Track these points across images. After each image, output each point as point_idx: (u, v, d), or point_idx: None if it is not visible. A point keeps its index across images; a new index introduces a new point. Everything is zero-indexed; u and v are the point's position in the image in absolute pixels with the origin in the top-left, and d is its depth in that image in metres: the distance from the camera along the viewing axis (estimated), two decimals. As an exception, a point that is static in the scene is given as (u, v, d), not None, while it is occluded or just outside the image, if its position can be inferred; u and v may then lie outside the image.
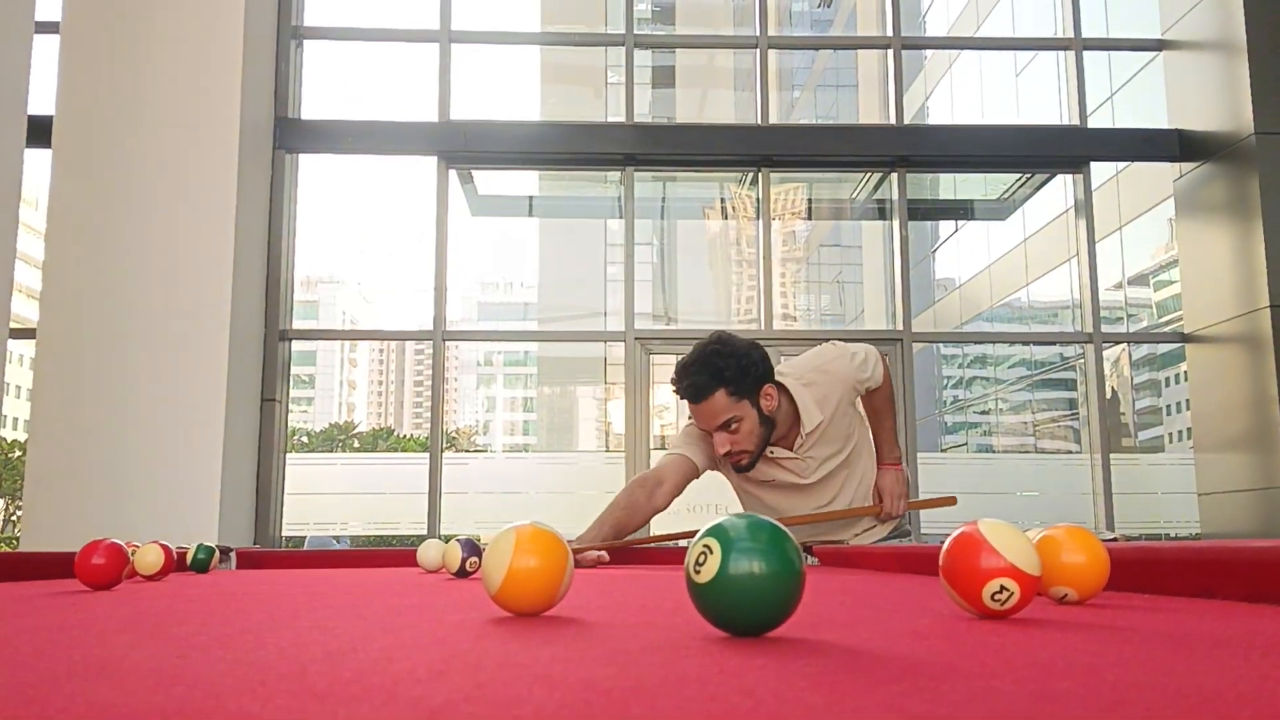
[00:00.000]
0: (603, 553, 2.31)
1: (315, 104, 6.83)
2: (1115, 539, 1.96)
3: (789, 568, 0.65)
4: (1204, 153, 6.52)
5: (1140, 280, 7.67)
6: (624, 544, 2.44)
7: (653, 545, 2.80)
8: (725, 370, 2.36)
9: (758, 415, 2.41)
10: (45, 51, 5.58)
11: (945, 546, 0.81)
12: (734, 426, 2.40)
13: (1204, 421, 6.53)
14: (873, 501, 2.66)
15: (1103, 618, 0.82)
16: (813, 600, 1.03)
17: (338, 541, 7.07)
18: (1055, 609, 0.91)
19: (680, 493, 2.51)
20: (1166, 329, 7.20)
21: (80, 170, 5.68)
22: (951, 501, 2.72)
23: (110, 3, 5.83)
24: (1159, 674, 0.49)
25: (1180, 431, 7.32)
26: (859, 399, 2.63)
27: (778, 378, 2.48)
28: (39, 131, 5.35)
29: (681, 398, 2.42)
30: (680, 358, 2.43)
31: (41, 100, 5.42)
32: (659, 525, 2.60)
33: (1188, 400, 6.78)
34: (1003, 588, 0.77)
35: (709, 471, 2.61)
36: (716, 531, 0.67)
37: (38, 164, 5.58)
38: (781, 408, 2.47)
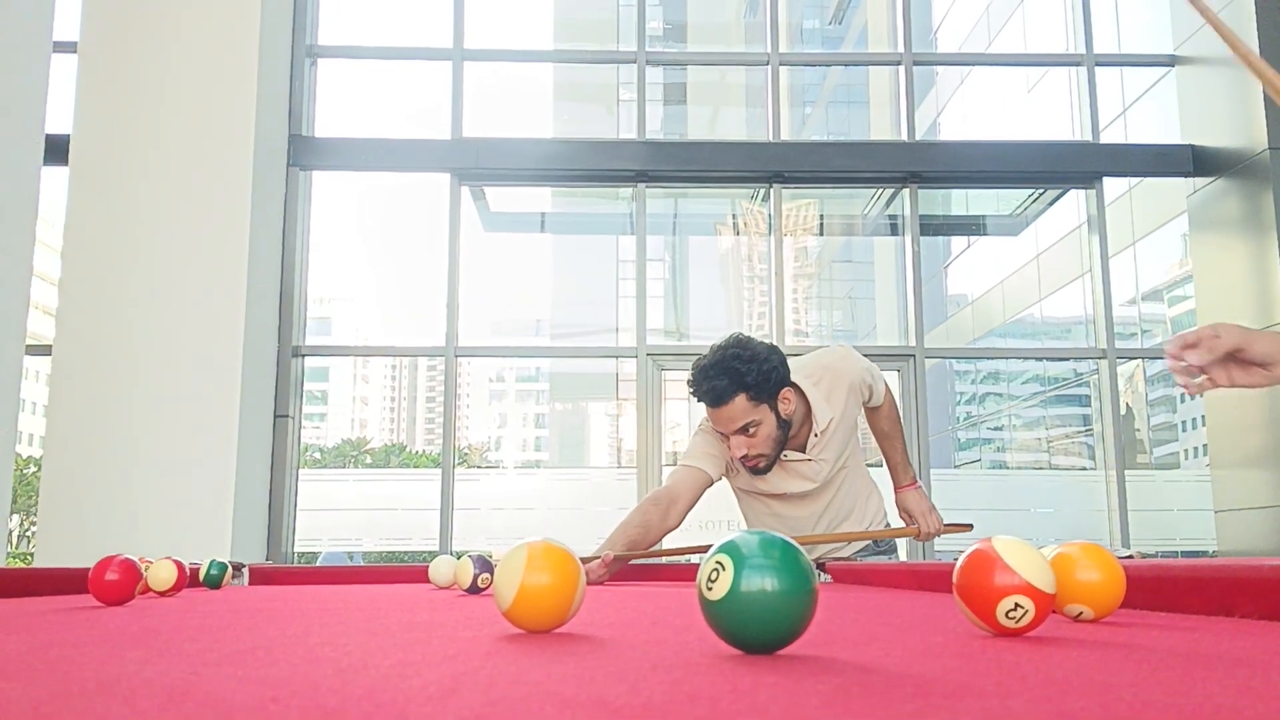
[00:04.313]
0: (607, 554, 2.30)
1: (329, 122, 6.88)
2: (1131, 556, 1.95)
3: (802, 585, 0.65)
4: (1217, 168, 6.50)
5: (1154, 296, 7.63)
6: (639, 554, 2.43)
7: (664, 560, 2.79)
8: (746, 375, 2.32)
9: (776, 419, 2.39)
10: (63, 71, 5.64)
11: (959, 563, 0.80)
12: (752, 430, 2.38)
13: (1220, 438, 6.49)
14: (895, 523, 2.69)
15: (1119, 636, 0.81)
16: (826, 618, 1.03)
17: (351, 558, 7.07)
18: (1070, 627, 0.90)
19: (694, 506, 2.50)
20: (1181, 345, 7.15)
21: (96, 188, 5.73)
22: (968, 528, 2.74)
23: (127, 23, 5.89)
24: (1176, 693, 0.49)
25: (1196, 448, 7.26)
26: (862, 413, 2.63)
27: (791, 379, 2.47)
28: (56, 149, 5.40)
29: (700, 401, 2.39)
30: (697, 359, 2.40)
31: (59, 119, 5.48)
32: (671, 539, 2.59)
33: (1203, 416, 6.72)
34: (1017, 605, 0.76)
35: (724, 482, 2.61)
36: (729, 548, 0.67)
37: (54, 182, 5.63)
38: (795, 409, 2.46)
